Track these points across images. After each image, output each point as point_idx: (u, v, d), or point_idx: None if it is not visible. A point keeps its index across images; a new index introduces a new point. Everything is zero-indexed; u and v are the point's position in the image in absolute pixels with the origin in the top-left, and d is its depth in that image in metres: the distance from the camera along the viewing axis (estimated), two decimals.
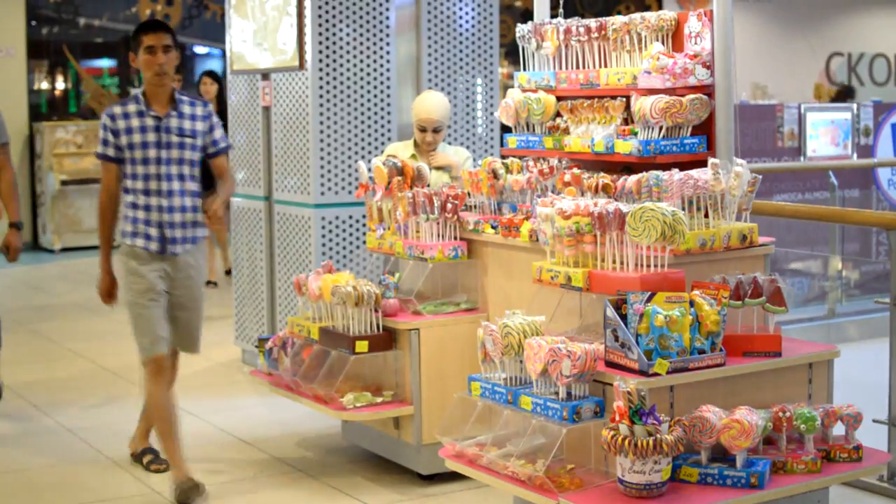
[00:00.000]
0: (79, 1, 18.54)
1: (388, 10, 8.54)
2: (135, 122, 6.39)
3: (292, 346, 6.86)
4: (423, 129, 7.34)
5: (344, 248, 8.46)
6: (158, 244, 6.47)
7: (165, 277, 6.51)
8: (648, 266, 5.16)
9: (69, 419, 7.91)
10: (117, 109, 6.46)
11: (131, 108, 6.43)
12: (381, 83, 8.54)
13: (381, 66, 8.54)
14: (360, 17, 8.45)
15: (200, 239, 6.65)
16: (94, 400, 8.52)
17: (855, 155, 11.79)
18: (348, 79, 8.44)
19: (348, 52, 8.44)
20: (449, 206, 6.45)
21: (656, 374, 4.84)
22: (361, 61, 8.48)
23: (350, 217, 8.46)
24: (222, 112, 10.79)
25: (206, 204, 6.49)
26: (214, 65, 19.67)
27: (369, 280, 6.62)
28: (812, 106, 12.20)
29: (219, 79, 13.30)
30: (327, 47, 8.37)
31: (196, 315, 6.76)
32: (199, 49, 19.78)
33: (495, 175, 6.41)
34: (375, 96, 8.51)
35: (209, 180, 6.75)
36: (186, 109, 6.54)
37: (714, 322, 4.99)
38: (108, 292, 6.68)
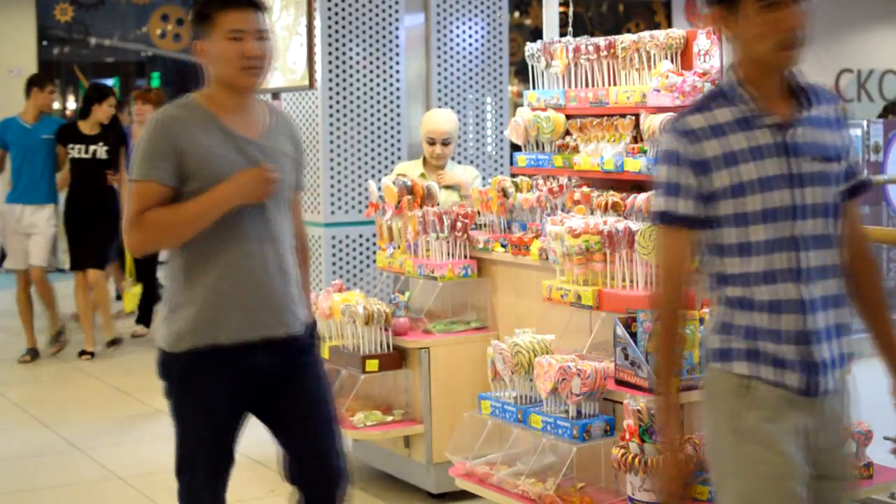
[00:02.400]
0: (89, 21, 18.61)
1: (397, 29, 8.57)
2: None
3: None
4: (432, 142, 7.34)
5: (354, 266, 8.47)
6: (803, 377, 3.34)
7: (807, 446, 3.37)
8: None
9: (80, 438, 7.92)
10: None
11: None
12: (391, 102, 8.56)
13: (391, 85, 8.56)
14: (370, 37, 8.48)
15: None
16: (105, 419, 8.53)
17: (865, 172, 11.75)
18: (358, 98, 8.46)
19: (358, 71, 8.46)
20: (459, 224, 6.46)
21: None
22: (371, 80, 8.50)
23: (360, 236, 8.48)
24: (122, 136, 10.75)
25: None
26: None
27: (379, 299, 6.63)
28: None
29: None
30: (337, 66, 8.40)
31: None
32: None
33: (505, 194, 6.42)
34: (385, 115, 8.53)
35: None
36: None
37: None
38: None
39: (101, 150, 10.35)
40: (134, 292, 11.47)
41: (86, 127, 10.44)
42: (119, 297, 12.44)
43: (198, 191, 4.06)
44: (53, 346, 10.72)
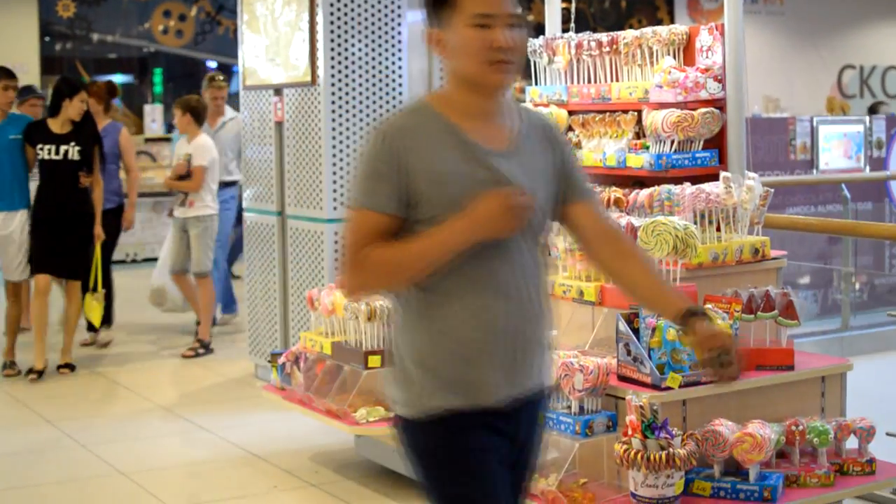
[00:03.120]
0: (92, 17, 18.61)
1: (400, 25, 8.56)
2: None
3: (305, 360, 6.87)
4: None
5: None
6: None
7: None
8: None
9: (82, 434, 7.92)
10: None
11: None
12: (394, 98, 8.55)
13: (394, 80, 8.55)
14: (373, 33, 8.47)
15: None
16: (107, 415, 8.53)
17: (868, 168, 11.77)
18: (360, 94, 8.46)
19: (360, 67, 8.45)
20: None
21: (669, 388, 4.84)
22: (374, 76, 8.50)
23: None
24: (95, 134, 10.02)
25: None
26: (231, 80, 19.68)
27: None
28: (824, 119, 12.19)
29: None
30: (340, 63, 8.39)
31: None
32: (212, 65, 19.80)
33: None
34: (388, 111, 8.52)
35: None
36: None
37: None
38: None
39: (73, 151, 9.59)
40: (97, 304, 10.20)
41: (56, 125, 9.67)
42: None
43: (430, 220, 3.28)
44: (7, 370, 9.69)
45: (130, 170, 10.74)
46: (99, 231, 9.81)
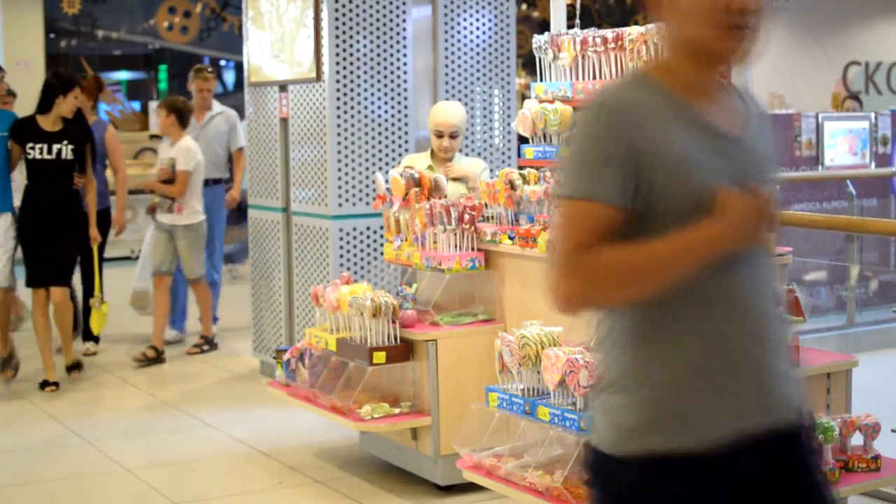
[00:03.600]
0: (97, 13, 18.63)
1: (404, 21, 8.56)
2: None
3: (310, 357, 6.87)
4: (439, 135, 7.34)
5: (361, 259, 8.47)
6: None
7: None
8: None
9: (88, 430, 7.93)
10: None
11: None
12: (399, 94, 8.55)
13: (399, 77, 8.55)
14: (377, 29, 8.47)
15: None
16: (112, 412, 8.54)
17: (873, 164, 11.75)
18: (365, 90, 8.45)
19: (365, 63, 8.45)
20: (466, 217, 6.46)
21: None
22: (378, 73, 8.49)
23: (367, 228, 8.47)
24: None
25: None
26: (229, 77, 19.71)
27: (387, 291, 6.63)
28: (830, 115, 12.17)
29: None
30: (344, 59, 8.39)
31: None
32: (217, 62, 19.81)
33: (512, 186, 6.42)
34: (393, 108, 8.52)
35: None
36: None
37: None
38: None
39: (66, 150, 9.05)
40: (103, 312, 9.90)
41: (47, 122, 9.10)
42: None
43: (662, 217, 2.73)
44: (5, 372, 9.42)
45: (118, 170, 10.33)
46: (95, 233, 9.45)
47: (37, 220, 9.05)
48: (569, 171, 2.76)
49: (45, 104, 9.14)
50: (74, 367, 9.40)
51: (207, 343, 10.38)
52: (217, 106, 11.07)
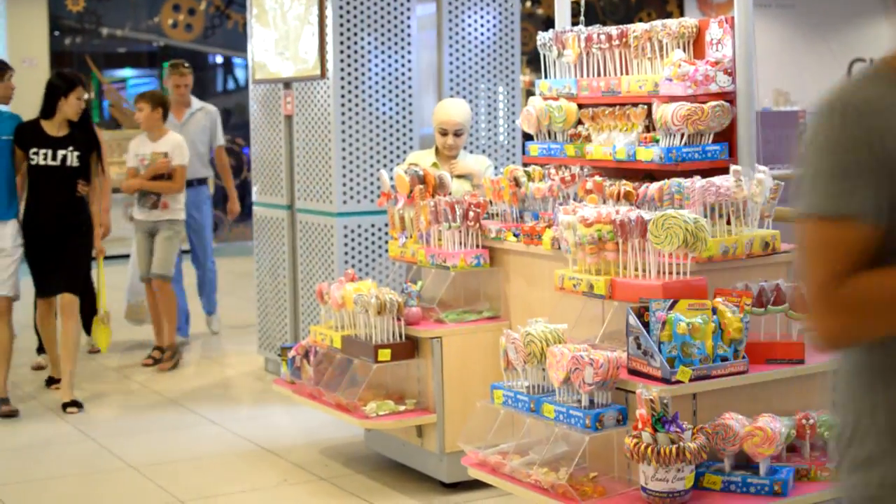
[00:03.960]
0: (101, 11, 18.60)
1: (409, 18, 8.56)
2: None
3: (315, 354, 6.87)
4: (444, 133, 7.34)
5: (366, 256, 8.47)
6: None
7: None
8: (671, 273, 5.15)
9: (92, 428, 7.93)
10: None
11: None
12: (403, 91, 8.55)
13: (403, 74, 8.55)
14: (382, 26, 8.47)
15: None
16: (117, 409, 8.54)
17: None
18: (370, 87, 8.45)
19: (370, 60, 8.45)
20: (471, 214, 6.46)
21: (679, 382, 4.83)
22: (383, 70, 8.49)
23: (372, 225, 8.47)
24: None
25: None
26: (240, 74, 19.70)
27: (392, 288, 6.63)
28: None
29: None
30: (349, 56, 8.39)
31: None
32: (221, 59, 19.81)
33: (517, 183, 6.42)
34: (397, 105, 8.52)
35: None
36: None
37: (737, 329, 4.97)
38: None
39: (72, 156, 8.50)
40: (104, 327, 9.42)
41: (52, 127, 8.53)
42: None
43: None
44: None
45: (102, 171, 9.07)
46: (101, 246, 8.91)
47: (40, 228, 8.51)
48: (811, 187, 2.37)
49: (48, 108, 8.56)
50: (73, 404, 8.45)
51: (173, 354, 9.83)
52: (196, 102, 10.70)
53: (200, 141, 10.51)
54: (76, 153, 8.51)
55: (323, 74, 8.47)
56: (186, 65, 10.77)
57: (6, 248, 8.42)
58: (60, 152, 8.48)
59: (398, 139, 8.53)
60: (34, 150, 8.45)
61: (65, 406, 8.37)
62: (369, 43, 8.44)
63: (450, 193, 6.80)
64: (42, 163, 8.45)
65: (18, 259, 8.50)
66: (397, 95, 8.53)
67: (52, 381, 9.02)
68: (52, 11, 17.86)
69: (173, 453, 7.42)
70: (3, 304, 8.45)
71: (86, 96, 8.84)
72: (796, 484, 4.89)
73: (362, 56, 8.43)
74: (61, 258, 8.52)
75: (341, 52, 8.37)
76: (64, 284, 8.52)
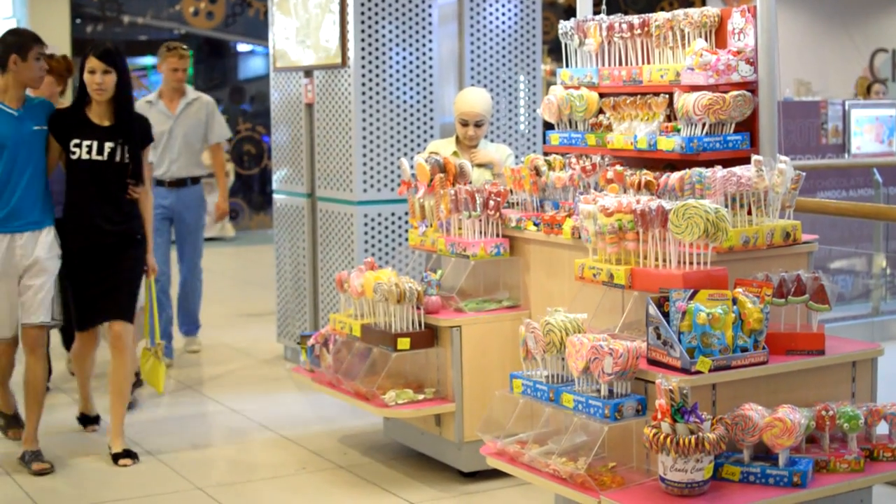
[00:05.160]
0: None
1: (430, 6, 8.55)
2: None
3: (334, 342, 6.88)
4: (465, 123, 7.33)
5: (386, 245, 8.47)
6: None
7: None
8: (691, 263, 5.14)
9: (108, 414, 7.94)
10: None
11: None
12: (424, 80, 8.54)
13: (424, 62, 8.54)
14: (403, 14, 8.46)
15: None
16: (136, 395, 8.55)
17: None
18: (391, 76, 8.45)
19: (391, 49, 8.44)
20: (491, 203, 6.45)
21: (699, 372, 4.82)
22: (404, 58, 8.48)
23: (392, 214, 8.47)
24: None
25: None
26: (259, 63, 19.71)
27: (411, 277, 6.62)
28: (856, 103, 12.12)
29: None
30: (370, 44, 8.38)
31: None
32: (247, 48, 19.82)
33: (538, 172, 6.41)
34: (418, 93, 8.52)
35: None
36: None
37: (757, 320, 4.96)
38: None
39: (121, 151, 6.95)
40: (158, 362, 7.71)
41: (96, 114, 6.99)
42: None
43: None
44: (13, 431, 7.52)
45: None
46: (152, 262, 7.32)
47: (84, 238, 7.00)
48: None
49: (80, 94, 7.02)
50: (126, 454, 7.01)
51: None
52: (191, 91, 9.63)
53: (194, 136, 9.47)
54: (127, 146, 7.00)
55: (344, 63, 8.47)
56: (185, 46, 9.69)
57: (40, 260, 6.89)
58: (108, 144, 6.94)
59: (419, 128, 8.53)
60: (76, 141, 6.90)
61: (116, 457, 6.96)
62: (390, 31, 8.44)
63: (470, 182, 6.79)
64: (86, 156, 6.91)
65: (54, 275, 6.99)
66: (418, 84, 8.52)
67: (86, 421, 7.70)
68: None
69: (192, 440, 7.43)
70: (34, 335, 6.95)
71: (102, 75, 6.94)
72: (815, 475, 4.87)
73: (383, 44, 8.43)
74: (111, 276, 7.03)
75: (362, 40, 8.37)
76: (115, 309, 7.04)
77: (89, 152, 6.91)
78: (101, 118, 6.98)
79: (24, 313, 6.90)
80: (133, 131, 7.05)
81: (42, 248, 6.88)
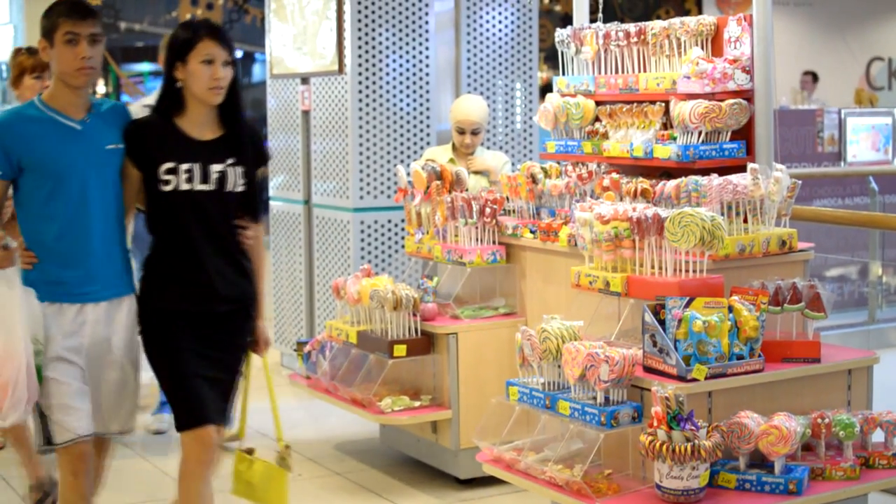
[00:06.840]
0: (119, 5, 18.65)
1: (427, 14, 8.56)
2: None
3: (331, 349, 6.88)
4: (461, 132, 7.35)
5: (382, 252, 8.47)
6: None
7: None
8: (687, 271, 5.15)
9: None
10: None
11: None
12: (420, 87, 8.55)
13: (420, 70, 8.55)
14: (400, 22, 8.47)
15: None
16: None
17: (895, 160, 11.71)
18: (387, 83, 8.46)
19: (387, 56, 8.45)
20: (487, 210, 6.46)
21: (694, 380, 4.83)
22: (400, 66, 8.49)
23: (389, 221, 8.48)
24: None
25: None
26: (258, 69, 19.72)
27: (408, 284, 6.63)
28: (852, 111, 12.13)
29: None
30: (366, 52, 8.39)
31: None
32: (239, 54, 19.85)
33: (534, 180, 6.42)
34: (414, 100, 8.53)
35: None
36: None
37: (753, 328, 4.97)
38: None
39: (233, 175, 4.82)
40: (280, 474, 5.62)
41: (194, 123, 4.83)
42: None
43: None
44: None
45: None
46: (266, 333, 5.27)
47: (191, 305, 4.88)
48: None
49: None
50: None
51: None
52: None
53: None
54: (240, 169, 4.87)
55: (341, 70, 8.48)
56: None
57: (116, 350, 4.83)
58: (215, 169, 4.80)
59: (415, 135, 8.54)
60: (169, 165, 4.75)
61: None
62: (387, 38, 8.45)
63: (466, 189, 6.80)
64: (185, 187, 4.76)
65: (138, 367, 5.00)
66: (415, 91, 8.54)
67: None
68: None
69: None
70: (106, 445, 5.21)
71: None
72: (811, 483, 4.88)
73: (380, 52, 8.44)
74: (215, 361, 4.98)
75: (359, 47, 8.38)
76: (213, 407, 5.01)
77: (190, 180, 4.76)
78: (201, 129, 4.85)
79: (100, 418, 4.89)
80: (244, 145, 4.92)
81: (117, 329, 4.82)
